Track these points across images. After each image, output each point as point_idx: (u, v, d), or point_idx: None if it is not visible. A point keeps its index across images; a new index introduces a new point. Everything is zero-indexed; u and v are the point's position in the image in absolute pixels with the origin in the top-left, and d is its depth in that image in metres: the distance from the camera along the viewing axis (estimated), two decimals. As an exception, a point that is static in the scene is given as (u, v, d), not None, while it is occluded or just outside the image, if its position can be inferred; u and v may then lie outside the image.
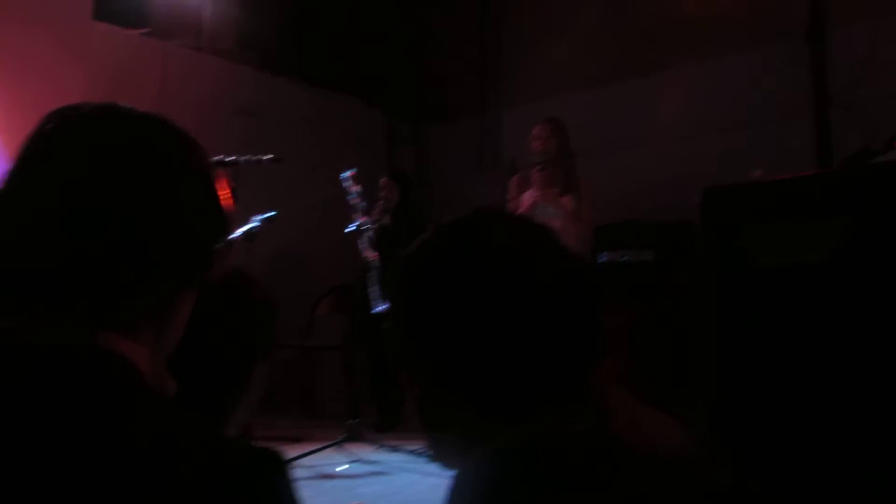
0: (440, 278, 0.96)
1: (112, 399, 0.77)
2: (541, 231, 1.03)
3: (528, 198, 4.58)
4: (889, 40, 3.47)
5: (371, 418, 5.10)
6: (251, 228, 4.57)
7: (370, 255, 4.71)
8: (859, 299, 2.32)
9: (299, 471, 4.01)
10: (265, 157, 4.67)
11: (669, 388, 4.50)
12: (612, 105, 6.51)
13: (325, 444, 4.43)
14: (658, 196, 5.68)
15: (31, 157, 0.89)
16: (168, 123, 0.98)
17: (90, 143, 0.90)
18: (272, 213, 4.58)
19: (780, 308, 2.46)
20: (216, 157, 4.72)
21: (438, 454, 1.03)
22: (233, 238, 4.54)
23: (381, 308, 4.58)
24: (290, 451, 4.22)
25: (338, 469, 4.12)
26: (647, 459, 0.95)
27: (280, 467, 0.80)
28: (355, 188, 4.71)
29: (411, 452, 4.32)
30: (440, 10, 7.96)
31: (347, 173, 4.70)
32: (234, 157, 4.72)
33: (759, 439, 2.49)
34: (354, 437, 4.51)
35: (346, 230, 4.86)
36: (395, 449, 4.45)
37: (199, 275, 0.97)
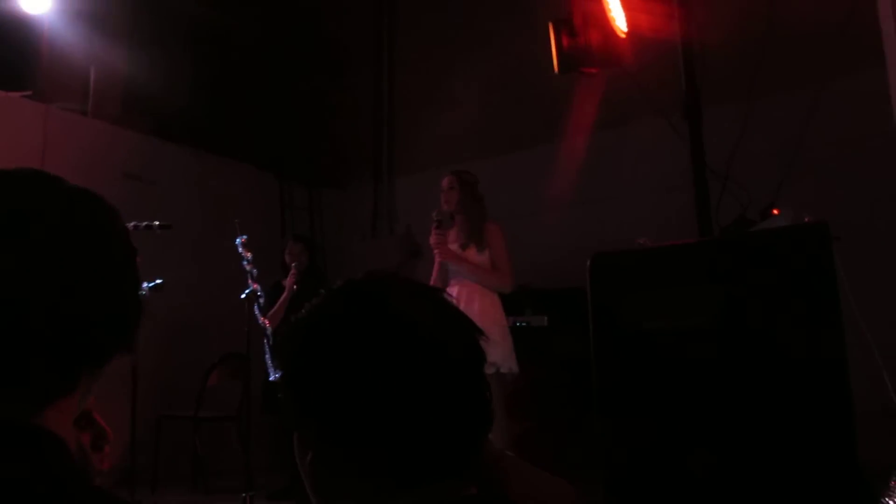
0: (329, 344, 0.94)
1: (43, 484, 0.74)
2: (430, 294, 1.03)
3: (436, 263, 4.45)
4: (759, 118, 3.72)
5: (267, 490, 4.93)
6: (139, 296, 4.43)
7: (265, 321, 4.62)
8: (734, 362, 2.42)
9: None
10: (155, 224, 4.57)
11: (567, 449, 4.56)
12: (503, 175, 6.65)
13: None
14: (550, 263, 5.82)
15: None
16: (91, 193, 0.93)
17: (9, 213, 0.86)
18: (159, 282, 4.45)
19: (658, 370, 2.54)
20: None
21: None
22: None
23: (275, 377, 4.46)
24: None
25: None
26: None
27: None
28: (247, 254, 4.63)
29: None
30: (334, 77, 8.05)
31: (239, 240, 4.62)
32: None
33: (650, 496, 2.54)
34: (249, 511, 4.34)
35: (241, 297, 4.77)
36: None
37: (128, 339, 0.93)
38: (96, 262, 0.88)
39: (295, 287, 5.31)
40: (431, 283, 4.27)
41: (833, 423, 2.34)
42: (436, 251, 4.32)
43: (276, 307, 5.35)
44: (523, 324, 5.77)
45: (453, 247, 4.37)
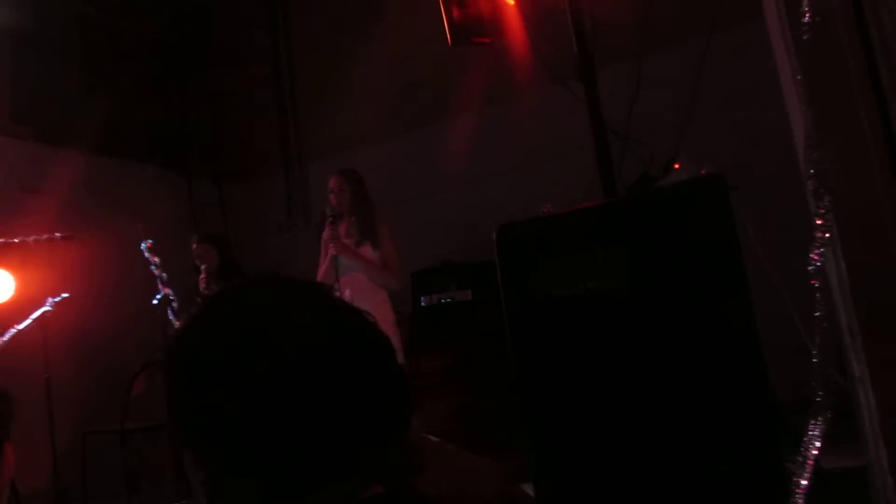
0: (205, 357, 0.91)
1: None
2: (315, 290, 0.99)
3: (325, 253, 4.50)
4: (651, 73, 3.77)
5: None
6: (43, 312, 4.28)
7: (179, 325, 4.51)
8: (645, 323, 2.46)
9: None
10: (56, 235, 4.41)
11: (506, 419, 4.61)
12: (414, 151, 6.67)
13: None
14: (468, 238, 5.83)
15: None
16: None
17: None
18: (65, 295, 4.31)
19: (572, 337, 2.57)
20: (1, 240, 4.40)
21: None
22: (24, 325, 4.24)
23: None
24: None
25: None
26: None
27: None
28: (154, 258, 4.52)
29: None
30: (232, 70, 7.87)
31: (144, 244, 4.49)
32: (20, 238, 4.43)
33: (572, 469, 2.57)
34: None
35: (153, 302, 4.64)
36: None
37: None
38: None
39: (211, 287, 5.17)
40: (319, 278, 4.31)
41: (746, 368, 2.40)
42: (330, 245, 4.38)
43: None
44: (448, 300, 5.79)
45: (347, 243, 4.43)
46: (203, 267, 5.16)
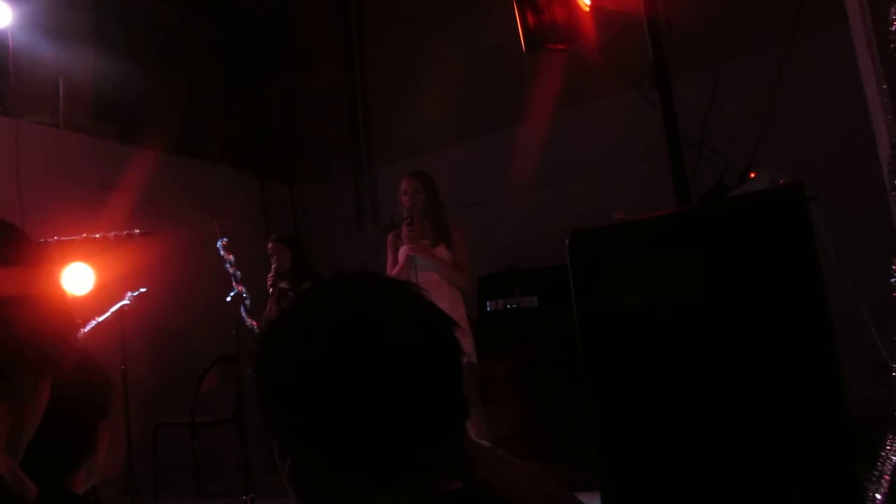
0: (299, 348, 0.93)
1: None
2: (400, 289, 1.01)
3: (402, 254, 4.56)
4: (729, 80, 3.72)
5: (269, 490, 4.91)
6: (122, 306, 4.42)
7: (252, 323, 4.61)
8: (719, 331, 2.42)
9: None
10: (135, 232, 4.54)
11: (567, 427, 4.58)
12: (484, 156, 6.67)
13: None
14: (536, 243, 5.81)
15: None
16: None
17: None
18: (142, 290, 4.43)
19: (645, 344, 2.54)
20: (83, 235, 4.55)
21: None
22: (103, 318, 4.38)
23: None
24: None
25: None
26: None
27: None
28: (230, 256, 4.62)
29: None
30: (306, 72, 8.00)
31: (220, 242, 4.60)
32: (101, 234, 4.57)
33: (643, 475, 2.55)
34: (248, 513, 4.33)
35: (227, 299, 4.75)
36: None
37: (50, 368, 0.93)
38: None
39: (279, 286, 5.23)
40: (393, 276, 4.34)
41: (821, 382, 2.34)
42: (409, 244, 4.42)
43: (267, 309, 5.33)
44: (514, 305, 5.78)
45: (423, 243, 4.50)
46: (273, 266, 5.26)
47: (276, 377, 0.95)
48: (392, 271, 4.50)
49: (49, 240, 4.38)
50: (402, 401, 0.90)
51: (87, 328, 4.30)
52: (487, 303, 5.81)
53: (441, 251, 4.54)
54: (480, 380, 5.25)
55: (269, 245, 5.44)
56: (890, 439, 2.12)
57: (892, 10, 1.99)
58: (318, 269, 5.58)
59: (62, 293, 0.97)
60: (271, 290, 5.30)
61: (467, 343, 4.35)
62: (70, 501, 1.38)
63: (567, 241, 2.73)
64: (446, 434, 0.95)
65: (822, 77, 4.63)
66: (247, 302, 4.49)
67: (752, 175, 2.98)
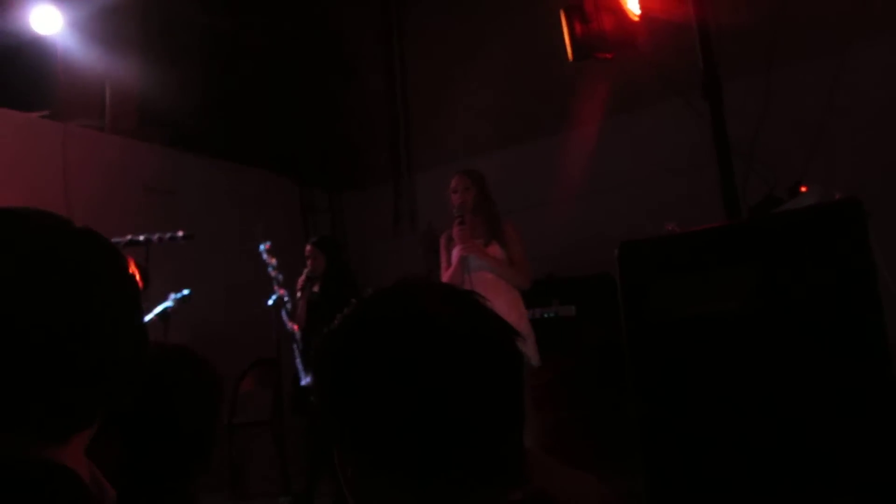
0: (364, 354, 0.93)
1: None
2: (464, 298, 1.01)
3: (455, 255, 4.45)
4: (780, 92, 3.66)
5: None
6: (166, 308, 4.46)
7: (293, 326, 4.63)
8: (770, 344, 2.38)
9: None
10: (178, 235, 4.59)
11: (602, 438, 4.54)
12: (522, 164, 6.64)
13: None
14: (575, 252, 5.79)
15: None
16: (92, 234, 0.97)
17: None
18: (186, 292, 4.47)
19: (694, 357, 2.51)
20: (127, 237, 4.61)
21: None
22: (148, 319, 4.42)
23: (307, 381, 4.47)
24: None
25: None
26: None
27: None
28: (272, 260, 4.65)
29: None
30: (346, 78, 8.05)
31: (263, 246, 4.63)
32: (145, 236, 4.63)
33: (691, 488, 2.51)
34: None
35: (268, 303, 4.79)
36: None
37: (127, 384, 0.96)
38: (109, 303, 0.92)
39: (311, 290, 5.15)
40: (447, 278, 4.27)
41: (876, 408, 2.29)
42: (461, 245, 4.32)
43: (298, 312, 5.32)
44: (551, 314, 5.75)
45: (476, 243, 4.38)
46: (306, 270, 5.22)
47: (339, 381, 0.95)
48: (446, 273, 4.39)
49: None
50: (464, 410, 0.89)
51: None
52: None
53: (495, 250, 4.35)
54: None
55: (308, 248, 5.46)
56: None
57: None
58: (355, 274, 5.59)
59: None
60: (300, 293, 5.27)
61: (526, 346, 4.08)
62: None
63: (616, 252, 2.70)
64: (505, 442, 0.93)
65: (874, 89, 4.53)
66: (288, 306, 4.51)
67: (803, 189, 2.93)
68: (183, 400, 1.39)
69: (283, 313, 4.59)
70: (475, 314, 0.98)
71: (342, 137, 8.06)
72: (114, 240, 4.51)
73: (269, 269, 4.66)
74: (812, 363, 2.34)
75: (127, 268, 0.98)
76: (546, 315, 5.75)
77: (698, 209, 3.45)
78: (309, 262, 5.30)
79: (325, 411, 0.97)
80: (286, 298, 4.56)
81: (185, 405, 1.39)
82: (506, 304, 4.12)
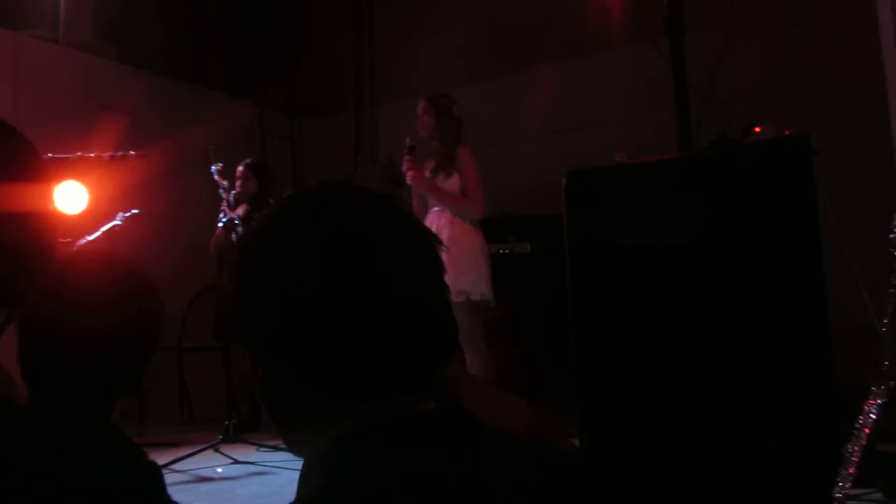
0: (277, 255, 0.90)
1: None
2: (390, 205, 0.98)
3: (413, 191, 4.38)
4: (741, 38, 3.65)
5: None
6: (113, 226, 4.39)
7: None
8: (713, 278, 2.41)
9: (176, 475, 3.88)
10: (130, 153, 4.50)
11: (550, 376, 4.60)
12: (486, 101, 6.58)
13: (202, 446, 4.28)
14: (534, 190, 5.78)
15: None
16: None
17: None
18: (135, 211, 4.40)
19: (636, 289, 2.53)
20: (77, 153, 4.51)
21: (288, 442, 0.98)
22: (95, 236, 4.35)
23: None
24: (168, 456, 4.07)
25: (218, 470, 4.00)
26: (499, 435, 0.94)
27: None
28: (224, 182, 4.58)
29: (292, 452, 4.21)
30: (312, 4, 7.86)
31: (215, 167, 4.55)
32: (95, 153, 4.53)
33: (622, 422, 2.55)
34: (232, 438, 4.37)
35: (218, 224, 4.73)
36: (275, 449, 4.35)
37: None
38: None
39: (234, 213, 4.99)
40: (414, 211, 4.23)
41: (809, 343, 2.34)
42: (408, 176, 4.29)
43: (216, 234, 5.26)
44: (507, 251, 5.77)
45: (426, 173, 4.35)
46: (233, 192, 5.03)
47: (255, 283, 0.92)
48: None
49: (43, 156, 4.33)
50: (382, 317, 0.87)
51: (78, 246, 4.28)
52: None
53: (440, 180, 4.33)
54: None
55: (240, 169, 5.37)
56: (872, 395, 2.11)
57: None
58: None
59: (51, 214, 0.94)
60: (223, 213, 5.15)
61: (465, 279, 4.11)
62: (106, 433, 1.23)
63: (564, 181, 2.70)
64: (427, 356, 0.92)
65: (838, 40, 4.54)
66: (238, 228, 4.45)
67: (757, 129, 2.93)
68: (112, 310, 1.32)
69: (234, 236, 4.53)
70: (396, 217, 0.96)
71: (306, 63, 7.90)
72: (63, 155, 4.42)
73: (220, 191, 4.58)
74: (750, 299, 2.38)
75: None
76: (501, 251, 5.76)
77: (655, 147, 3.45)
78: (238, 184, 5.19)
79: (239, 311, 0.95)
80: (237, 220, 4.49)
81: (113, 316, 1.30)
82: (449, 236, 4.09)
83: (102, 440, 0.85)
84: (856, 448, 2.07)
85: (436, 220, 4.22)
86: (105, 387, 1.28)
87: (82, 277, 1.30)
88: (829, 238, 2.51)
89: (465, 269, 4.11)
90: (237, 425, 4.47)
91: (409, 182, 4.29)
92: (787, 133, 2.50)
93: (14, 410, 0.79)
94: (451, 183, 4.33)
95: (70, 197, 4.44)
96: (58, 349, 1.17)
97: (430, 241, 0.96)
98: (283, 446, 4.19)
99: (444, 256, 0.98)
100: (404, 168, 4.29)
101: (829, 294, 2.35)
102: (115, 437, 1.23)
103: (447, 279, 0.96)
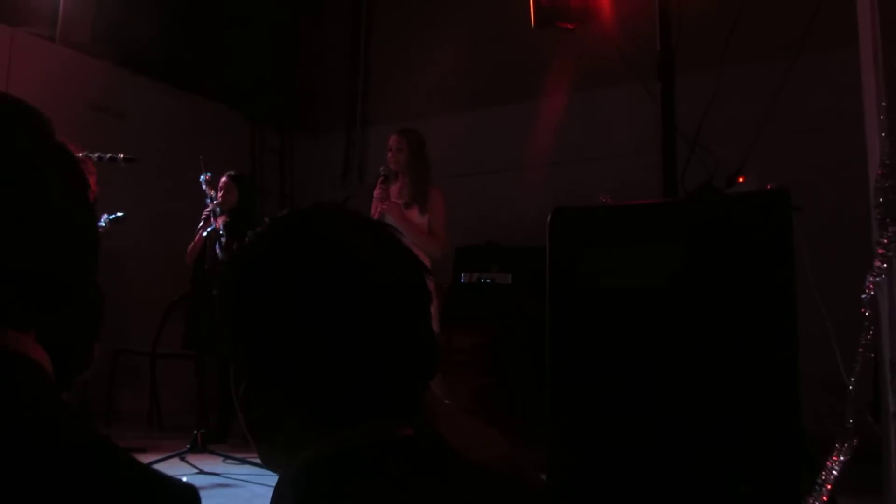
0: (267, 273, 0.92)
1: (22, 407, 0.70)
2: (382, 230, 1.00)
3: (374, 210, 4.45)
4: (731, 86, 3.72)
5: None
6: (98, 228, 4.38)
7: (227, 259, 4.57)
8: (688, 323, 2.45)
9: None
10: (119, 157, 4.50)
11: (525, 407, 4.61)
12: (477, 131, 6.66)
13: (169, 454, 4.24)
14: (518, 221, 5.83)
15: None
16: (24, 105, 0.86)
17: None
18: (120, 214, 4.39)
19: (612, 329, 2.56)
20: (66, 153, 4.50)
21: (263, 457, 0.99)
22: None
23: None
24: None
25: (183, 479, 3.95)
26: (469, 466, 0.96)
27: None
28: (211, 192, 4.58)
29: (259, 464, 4.20)
30: (311, 22, 7.92)
31: (203, 177, 4.56)
32: (84, 153, 4.52)
33: (592, 455, 2.57)
34: (199, 447, 4.34)
35: (202, 234, 4.74)
36: (242, 461, 4.32)
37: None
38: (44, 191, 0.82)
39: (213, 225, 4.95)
40: None
41: (779, 393, 2.37)
42: (380, 203, 4.37)
43: (193, 241, 5.29)
44: (488, 280, 5.79)
45: (395, 203, 4.43)
46: (214, 203, 5.00)
47: (240, 299, 0.94)
48: None
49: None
50: (368, 342, 0.89)
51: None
52: (462, 274, 5.82)
53: (413, 214, 4.44)
54: (444, 350, 5.26)
55: (223, 180, 5.38)
56: (836, 450, 2.15)
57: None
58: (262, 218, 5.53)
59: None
60: (202, 223, 5.16)
61: (436, 313, 4.30)
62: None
63: (549, 218, 2.73)
64: (410, 382, 0.94)
65: (825, 95, 4.65)
66: (223, 238, 4.45)
67: (741, 179, 3.00)
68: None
69: (217, 246, 4.52)
70: (388, 243, 0.98)
71: (300, 80, 7.94)
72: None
73: (207, 201, 4.59)
74: (722, 346, 2.41)
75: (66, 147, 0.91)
76: (483, 280, 5.79)
77: (643, 190, 3.50)
78: (220, 195, 5.17)
79: (225, 324, 0.96)
80: (222, 231, 4.49)
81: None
82: None
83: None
84: (817, 501, 2.10)
85: None
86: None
87: None
88: (805, 292, 2.56)
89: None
90: (205, 435, 4.43)
91: (382, 209, 4.36)
92: (768, 187, 2.56)
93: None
94: (422, 220, 4.47)
95: (56, 196, 4.42)
96: None
97: (419, 269, 0.98)
98: (250, 459, 4.20)
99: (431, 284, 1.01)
100: (377, 194, 4.39)
101: (800, 346, 2.39)
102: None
103: None
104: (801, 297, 2.46)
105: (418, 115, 6.78)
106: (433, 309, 3.79)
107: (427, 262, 4.41)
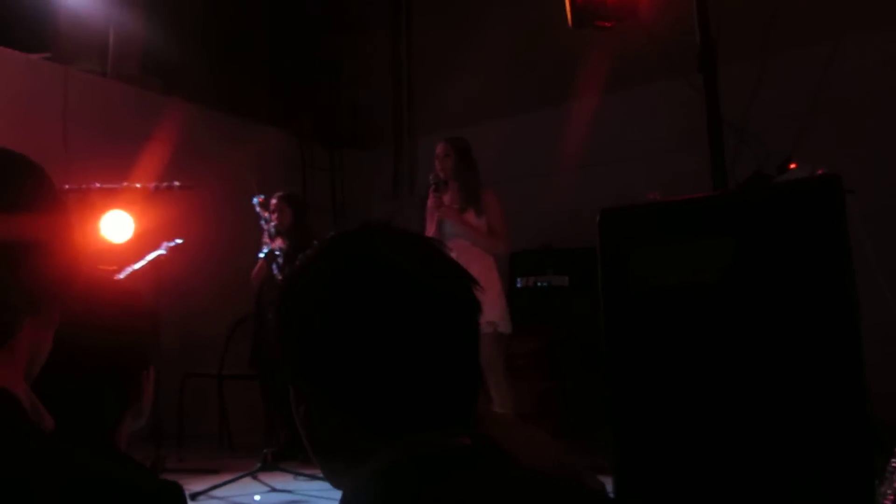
0: (321, 295, 0.94)
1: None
2: (428, 245, 1.03)
3: (430, 219, 4.55)
4: (776, 72, 3.66)
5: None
6: (158, 255, 4.49)
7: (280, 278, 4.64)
8: (744, 318, 2.41)
9: (215, 502, 3.93)
10: (175, 184, 4.61)
11: (585, 410, 4.59)
12: (523, 134, 6.65)
13: (240, 474, 4.32)
14: (571, 223, 5.79)
15: None
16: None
17: None
18: (179, 241, 4.50)
19: (669, 328, 2.53)
20: (123, 184, 4.64)
21: (328, 473, 1.02)
22: (140, 265, 4.45)
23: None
24: (207, 482, 4.12)
25: (256, 498, 4.04)
26: (530, 472, 0.97)
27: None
28: (265, 214, 4.67)
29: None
30: (353, 37, 8.01)
31: (256, 199, 4.64)
32: (142, 184, 4.65)
33: (657, 457, 2.55)
34: (270, 466, 4.41)
35: (259, 255, 4.82)
36: (312, 478, 4.38)
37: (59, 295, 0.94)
38: None
39: (273, 246, 5.04)
40: None
41: (844, 378, 2.32)
42: (436, 211, 4.44)
43: (257, 267, 5.37)
44: (544, 284, 5.79)
45: (452, 209, 4.52)
46: (271, 223, 5.09)
47: (296, 321, 0.97)
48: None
49: (91, 186, 4.47)
50: (422, 356, 0.91)
51: (123, 275, 4.38)
52: (518, 279, 5.82)
53: (470, 216, 4.52)
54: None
55: (274, 202, 5.45)
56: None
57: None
58: (320, 234, 5.58)
59: (68, 241, 0.95)
60: (264, 244, 5.23)
61: (497, 311, 4.34)
62: (112, 458, 1.24)
63: (598, 219, 2.73)
64: (459, 392, 0.95)
65: (873, 75, 4.54)
66: (279, 259, 4.53)
67: (792, 166, 2.94)
68: (112, 343, 1.31)
69: (275, 267, 4.60)
70: (435, 258, 1.00)
71: (346, 96, 8.03)
72: (110, 186, 4.55)
73: (262, 223, 4.67)
74: (782, 340, 2.37)
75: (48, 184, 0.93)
76: (539, 284, 5.79)
77: (690, 184, 3.46)
78: (274, 216, 5.24)
79: (281, 350, 0.99)
80: (277, 252, 4.57)
81: (113, 348, 1.31)
82: (479, 270, 4.20)
83: (114, 463, 0.86)
84: (888, 492, 2.05)
85: (464, 253, 4.31)
86: (95, 398, 1.30)
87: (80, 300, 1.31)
88: (869, 277, 2.51)
89: (493, 302, 4.28)
90: (276, 453, 4.51)
91: (438, 215, 4.43)
92: (819, 172, 2.51)
93: (39, 435, 0.83)
94: (479, 222, 4.55)
95: (116, 226, 4.56)
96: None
97: (466, 281, 1.00)
98: (320, 475, 4.23)
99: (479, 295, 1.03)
100: (431, 203, 4.46)
101: (868, 332, 2.33)
102: (125, 460, 1.28)
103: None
104: (865, 282, 2.41)
105: (464, 122, 6.79)
106: (499, 313, 3.83)
107: (493, 262, 4.56)
